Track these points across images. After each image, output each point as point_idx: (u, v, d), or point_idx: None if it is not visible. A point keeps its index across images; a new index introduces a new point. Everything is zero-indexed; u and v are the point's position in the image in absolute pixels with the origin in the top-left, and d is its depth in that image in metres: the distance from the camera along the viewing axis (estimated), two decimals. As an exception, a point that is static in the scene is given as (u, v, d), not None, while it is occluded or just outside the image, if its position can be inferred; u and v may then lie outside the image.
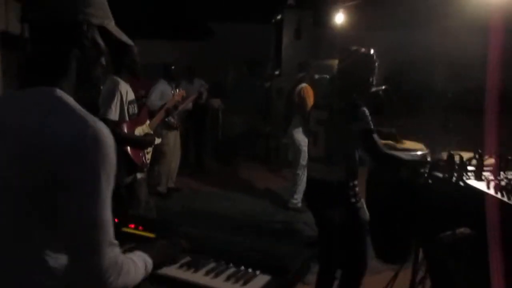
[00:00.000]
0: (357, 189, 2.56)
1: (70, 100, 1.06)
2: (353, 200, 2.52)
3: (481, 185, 1.74)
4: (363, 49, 2.56)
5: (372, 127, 2.43)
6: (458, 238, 1.45)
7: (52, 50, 1.08)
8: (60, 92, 1.05)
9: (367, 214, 2.58)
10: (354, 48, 2.57)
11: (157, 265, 1.26)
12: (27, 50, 1.12)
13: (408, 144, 2.93)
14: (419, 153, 2.82)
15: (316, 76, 5.29)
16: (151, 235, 1.57)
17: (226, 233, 1.61)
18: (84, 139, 0.97)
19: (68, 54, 1.09)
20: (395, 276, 2.68)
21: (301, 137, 5.15)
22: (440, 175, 2.05)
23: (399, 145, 2.82)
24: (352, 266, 2.65)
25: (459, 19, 4.87)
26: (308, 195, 2.80)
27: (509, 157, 2.02)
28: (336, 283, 2.79)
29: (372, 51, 2.56)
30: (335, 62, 2.71)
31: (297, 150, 5.21)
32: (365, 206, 2.60)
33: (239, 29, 9.37)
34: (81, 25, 1.08)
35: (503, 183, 1.66)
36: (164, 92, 5.29)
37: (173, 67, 5.66)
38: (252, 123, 8.42)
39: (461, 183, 1.80)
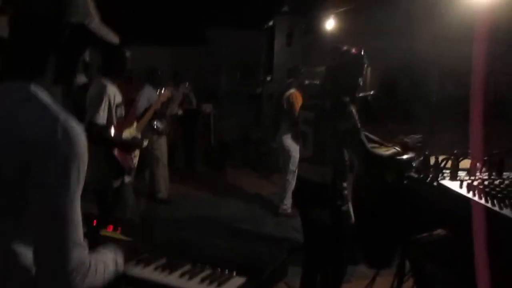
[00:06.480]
0: (345, 192, 2.54)
1: (44, 96, 1.05)
2: (338, 202, 2.51)
3: (454, 185, 1.75)
4: (353, 49, 2.55)
5: (359, 126, 2.43)
6: (434, 240, 1.46)
7: (28, 46, 1.07)
8: (34, 87, 1.04)
9: (352, 219, 2.57)
10: (345, 48, 2.56)
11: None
12: (5, 44, 1.09)
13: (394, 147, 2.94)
14: (405, 156, 2.83)
15: (306, 82, 5.30)
16: (128, 238, 1.56)
17: (215, 238, 1.61)
18: (54, 136, 0.97)
19: (45, 51, 1.08)
20: (372, 281, 2.67)
21: (290, 143, 5.15)
22: (416, 175, 2.07)
23: (384, 149, 2.82)
24: (330, 270, 2.64)
25: (451, 26, 4.92)
26: (295, 194, 2.80)
27: (490, 159, 2.04)
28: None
29: (362, 52, 2.56)
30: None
31: (287, 156, 5.21)
32: (351, 210, 2.59)
33: (231, 36, 9.43)
34: (57, 23, 1.06)
35: (475, 183, 1.68)
36: (150, 98, 5.25)
37: (158, 72, 5.54)
38: (243, 129, 8.42)
39: (434, 183, 1.81)
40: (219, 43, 9.58)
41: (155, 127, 5.05)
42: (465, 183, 1.74)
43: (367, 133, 2.64)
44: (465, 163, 2.10)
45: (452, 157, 2.00)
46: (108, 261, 1.14)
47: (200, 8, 8.30)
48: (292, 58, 7.24)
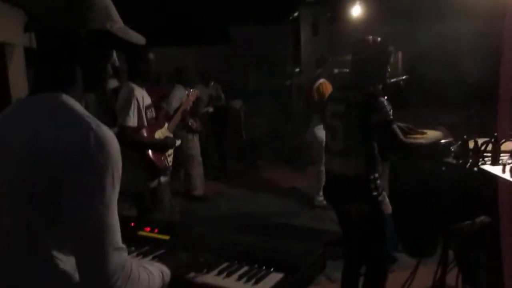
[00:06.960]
0: (378, 182, 2.49)
1: (75, 104, 1.07)
2: (374, 193, 2.46)
3: (496, 170, 1.67)
4: (377, 39, 2.49)
5: (391, 118, 2.37)
6: (477, 228, 1.39)
7: (55, 58, 1.10)
8: (65, 97, 1.06)
9: (390, 208, 2.52)
10: (368, 38, 2.51)
11: (176, 276, 1.25)
12: (36, 57, 1.12)
13: (429, 133, 2.84)
14: (442, 141, 2.73)
15: (336, 71, 5.22)
16: (166, 237, 1.58)
17: (251, 234, 1.60)
18: (87, 143, 0.97)
19: (71, 61, 1.10)
20: (415, 270, 2.60)
21: (322, 134, 5.08)
22: (454, 161, 1.98)
23: (419, 136, 2.74)
24: (374, 262, 2.59)
25: (481, 8, 4.70)
26: (327, 189, 2.75)
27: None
28: (362, 279, 2.73)
29: (386, 40, 2.49)
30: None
31: (320, 147, 5.15)
32: (387, 199, 2.53)
33: (255, 30, 9.42)
34: (79, 32, 1.08)
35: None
36: (182, 97, 5.32)
37: (188, 71, 5.58)
38: (273, 123, 8.39)
39: (475, 169, 1.73)
40: (244, 39, 9.59)
41: (190, 124, 5.11)
42: (508, 167, 1.65)
43: (399, 124, 2.56)
44: (507, 146, 2.00)
45: (492, 140, 1.91)
46: (153, 270, 1.14)
47: (222, 5, 8.30)
48: (319, 48, 7.13)
